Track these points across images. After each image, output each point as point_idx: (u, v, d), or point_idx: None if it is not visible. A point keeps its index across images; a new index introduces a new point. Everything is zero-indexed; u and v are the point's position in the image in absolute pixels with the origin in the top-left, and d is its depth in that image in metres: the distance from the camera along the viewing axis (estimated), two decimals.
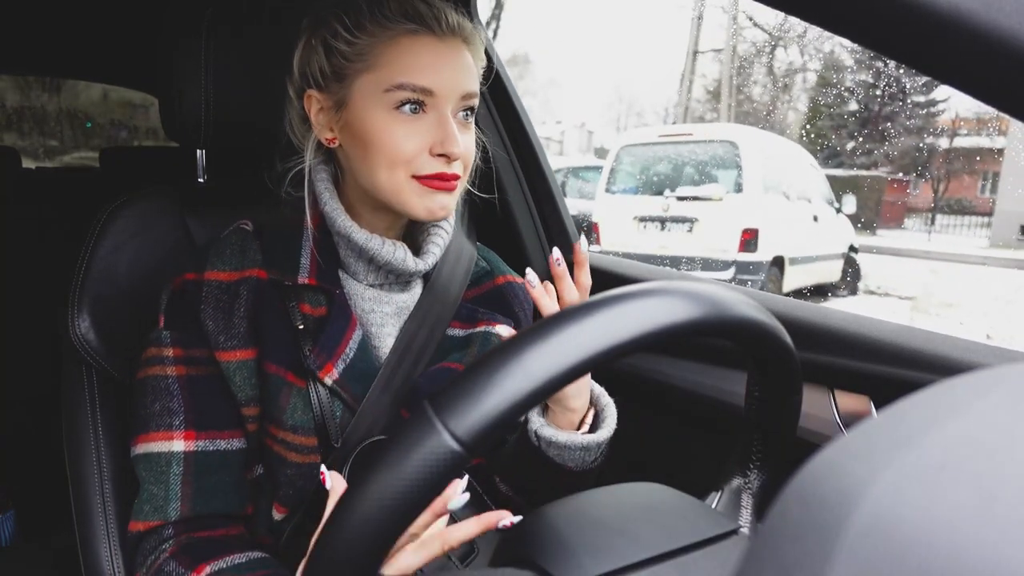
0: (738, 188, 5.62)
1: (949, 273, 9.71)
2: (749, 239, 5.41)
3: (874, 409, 0.88)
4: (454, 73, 0.77)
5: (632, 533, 0.49)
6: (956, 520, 0.21)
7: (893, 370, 0.85)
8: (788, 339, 0.52)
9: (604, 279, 1.31)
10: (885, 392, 0.87)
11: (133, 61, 2.15)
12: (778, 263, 5.74)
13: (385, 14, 0.76)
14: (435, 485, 0.39)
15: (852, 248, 7.40)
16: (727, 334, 0.48)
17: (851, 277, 7.40)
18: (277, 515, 0.82)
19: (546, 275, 1.39)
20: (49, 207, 2.11)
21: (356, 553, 0.39)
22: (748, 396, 0.59)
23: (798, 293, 6.34)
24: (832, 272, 7.05)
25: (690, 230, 5.70)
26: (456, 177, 0.78)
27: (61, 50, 2.13)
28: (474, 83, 0.80)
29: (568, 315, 0.42)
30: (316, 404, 0.79)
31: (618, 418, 0.86)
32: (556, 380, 0.40)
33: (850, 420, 0.90)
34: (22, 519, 1.85)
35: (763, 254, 5.48)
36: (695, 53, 15.49)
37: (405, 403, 0.84)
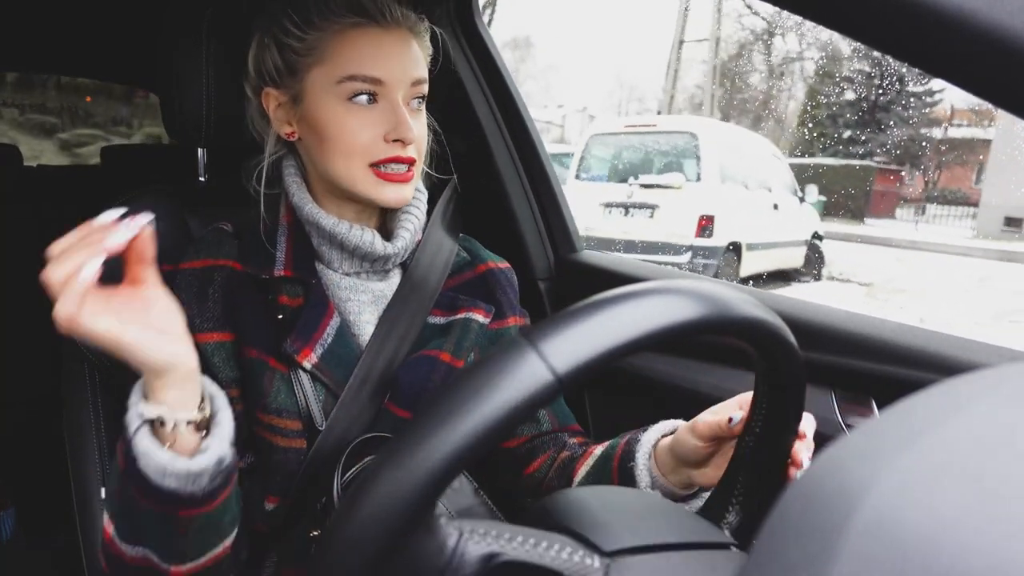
0: (697, 177, 5.99)
1: (920, 262, 9.92)
2: (705, 225, 5.76)
3: (876, 409, 0.88)
4: (402, 62, 0.81)
5: (661, 520, 0.50)
6: (958, 519, 0.21)
7: (895, 370, 0.85)
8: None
9: (606, 279, 1.31)
10: (887, 392, 0.87)
11: (135, 59, 2.15)
12: (735, 248, 6.10)
13: (331, 8, 0.80)
14: (527, 407, 0.38)
15: (816, 236, 7.71)
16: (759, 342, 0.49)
17: (815, 263, 7.74)
18: (269, 505, 0.83)
19: (547, 273, 1.39)
20: (49, 205, 2.11)
21: (435, 467, 0.38)
22: (742, 434, 0.59)
23: (757, 278, 6.59)
24: (795, 258, 7.38)
25: (651, 216, 5.98)
26: (411, 161, 0.81)
27: (63, 48, 2.13)
28: (422, 70, 0.84)
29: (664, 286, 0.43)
30: (299, 388, 0.81)
31: (618, 416, 0.86)
32: (645, 339, 0.40)
33: (852, 420, 0.89)
34: (23, 517, 1.86)
35: (719, 240, 5.83)
36: (681, 43, 15.98)
37: (386, 391, 0.86)
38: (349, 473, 0.79)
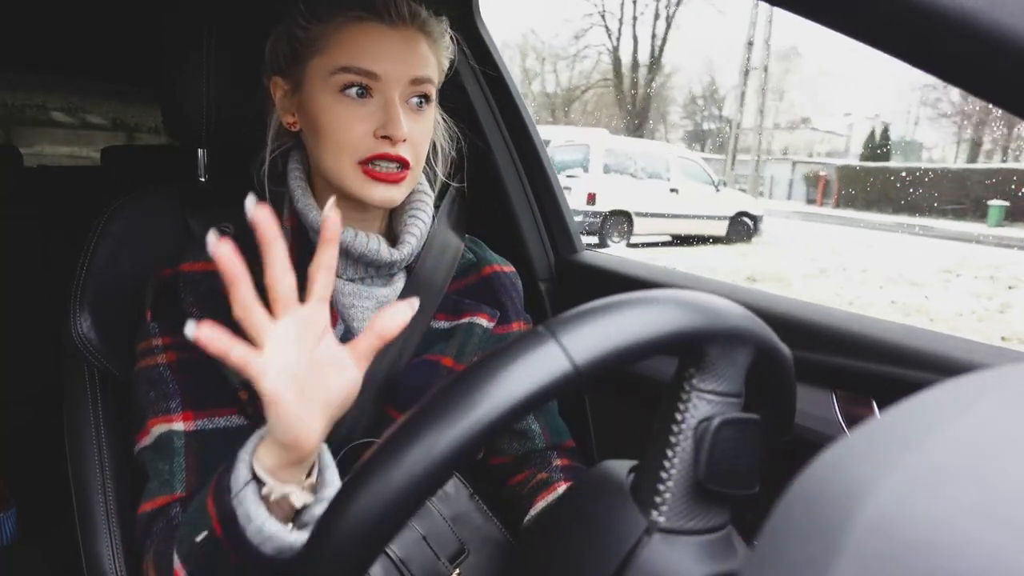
0: (586, 170, 10.54)
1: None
2: (591, 198, 10.26)
3: (877, 409, 0.88)
4: (401, 58, 0.79)
5: None
6: (959, 521, 0.21)
7: (896, 370, 0.85)
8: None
9: (607, 280, 1.31)
10: (888, 392, 0.87)
11: (136, 58, 2.15)
12: (623, 214, 10.49)
13: (339, 2, 0.80)
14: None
15: (744, 214, 11.92)
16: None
17: (743, 234, 11.85)
18: None
19: (547, 274, 1.39)
20: (50, 206, 2.11)
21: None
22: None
23: (655, 236, 10.81)
24: (715, 229, 11.54)
25: (568, 192, 10.11)
26: (402, 160, 0.79)
27: (65, 47, 2.14)
28: (426, 70, 0.82)
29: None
30: None
31: (618, 417, 0.86)
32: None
33: (853, 421, 0.89)
34: (24, 517, 1.86)
35: (600, 207, 10.30)
36: (747, 72, 19.16)
37: (387, 397, 0.85)
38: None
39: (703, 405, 0.46)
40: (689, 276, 1.32)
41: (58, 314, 0.91)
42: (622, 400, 1.23)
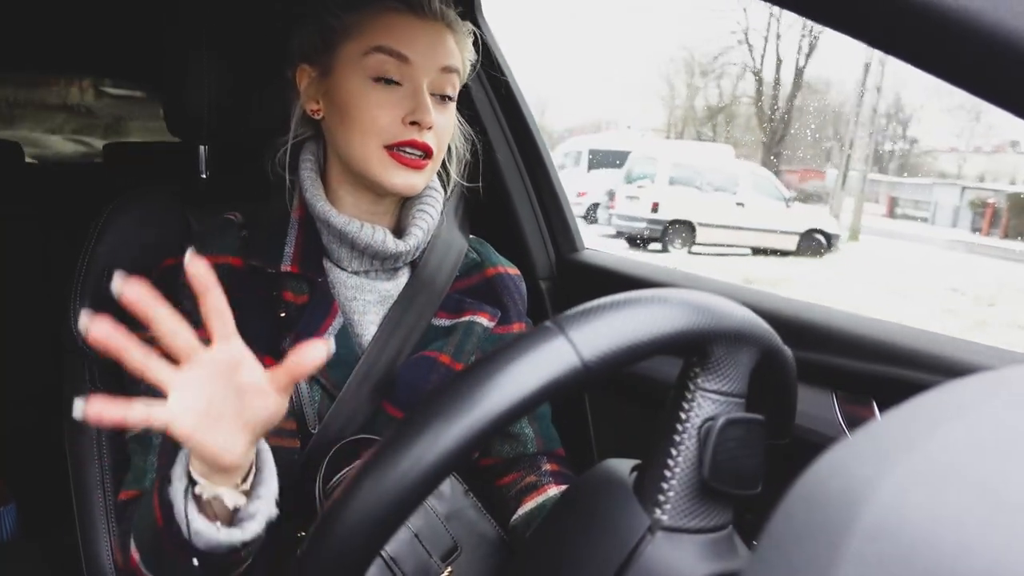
0: (652, 181, 11.61)
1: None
2: (655, 207, 11.22)
3: (877, 410, 0.88)
4: (431, 47, 0.82)
5: None
6: (962, 523, 0.21)
7: (897, 371, 0.85)
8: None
9: (607, 278, 1.31)
10: (888, 393, 0.86)
11: (137, 56, 2.15)
12: (684, 223, 11.26)
13: None
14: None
15: (816, 231, 12.13)
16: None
17: (816, 250, 12.00)
18: None
19: (548, 272, 1.39)
20: (51, 202, 2.11)
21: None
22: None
23: (717, 245, 11.16)
24: (784, 243, 11.82)
25: (637, 200, 11.62)
26: (427, 148, 0.81)
27: (65, 47, 2.14)
28: (454, 60, 0.84)
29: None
30: (294, 389, 0.80)
31: (618, 418, 0.86)
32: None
33: (853, 421, 0.89)
34: (24, 514, 1.86)
35: (663, 215, 11.22)
36: (862, 92, 18.63)
37: (385, 392, 0.85)
38: (335, 479, 0.79)
39: (708, 404, 0.46)
40: (689, 276, 1.32)
41: (58, 314, 0.91)
42: (622, 400, 1.23)
